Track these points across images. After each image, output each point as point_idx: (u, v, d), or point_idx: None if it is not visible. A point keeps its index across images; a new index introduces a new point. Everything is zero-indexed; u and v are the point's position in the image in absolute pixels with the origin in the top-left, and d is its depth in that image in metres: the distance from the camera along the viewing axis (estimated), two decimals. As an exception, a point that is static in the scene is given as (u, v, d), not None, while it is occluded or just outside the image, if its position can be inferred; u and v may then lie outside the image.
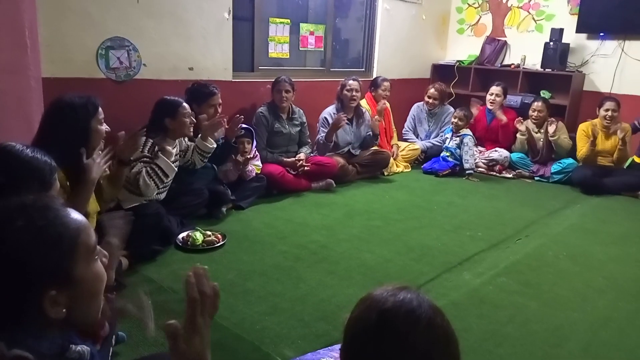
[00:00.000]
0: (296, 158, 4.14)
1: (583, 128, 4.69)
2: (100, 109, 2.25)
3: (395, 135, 5.31)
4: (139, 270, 2.58)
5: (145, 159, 2.88)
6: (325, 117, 4.53)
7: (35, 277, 0.84)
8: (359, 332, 0.88)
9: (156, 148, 2.92)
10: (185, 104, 3.03)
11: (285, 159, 4.12)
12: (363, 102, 5.01)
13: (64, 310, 0.86)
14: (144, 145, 2.88)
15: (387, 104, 4.99)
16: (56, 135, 2.07)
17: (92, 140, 2.22)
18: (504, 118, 5.08)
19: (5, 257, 0.83)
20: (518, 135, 4.97)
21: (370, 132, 4.70)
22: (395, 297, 0.87)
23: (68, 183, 2.09)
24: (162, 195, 3.04)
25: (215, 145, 3.30)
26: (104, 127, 2.27)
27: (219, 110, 3.53)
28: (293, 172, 4.10)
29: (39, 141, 2.08)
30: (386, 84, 5.04)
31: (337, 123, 4.29)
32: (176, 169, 3.03)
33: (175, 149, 3.04)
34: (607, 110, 4.50)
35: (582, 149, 4.65)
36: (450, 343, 0.87)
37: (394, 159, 5.01)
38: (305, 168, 4.10)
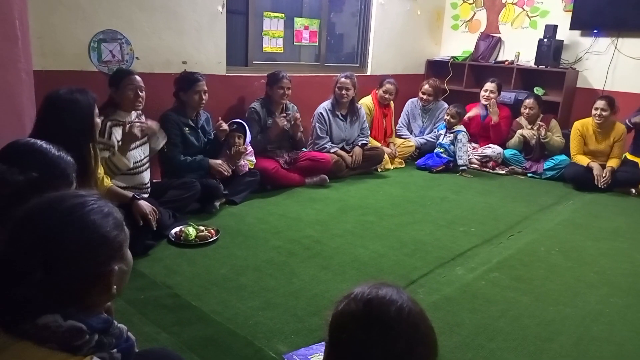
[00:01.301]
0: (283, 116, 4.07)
1: (578, 127, 4.68)
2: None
3: (393, 133, 5.31)
4: (131, 265, 2.56)
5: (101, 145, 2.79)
6: (321, 113, 4.52)
7: (111, 252, 0.97)
8: (347, 322, 0.92)
9: (112, 132, 2.87)
10: (132, 76, 2.96)
11: (272, 128, 4.04)
12: (368, 100, 5.00)
13: (115, 287, 0.98)
14: (102, 129, 2.81)
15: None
16: (63, 131, 2.06)
17: (95, 134, 2.27)
18: (495, 118, 5.08)
19: (90, 235, 0.94)
20: (517, 132, 4.98)
21: (365, 141, 4.73)
22: (379, 290, 0.93)
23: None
24: (143, 178, 3.05)
25: (163, 142, 3.24)
26: (99, 120, 2.31)
27: (205, 97, 3.50)
28: (286, 167, 4.09)
29: (42, 138, 2.07)
30: (388, 86, 4.97)
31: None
32: (138, 156, 3.00)
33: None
34: (596, 109, 4.49)
35: (576, 150, 4.65)
36: (429, 331, 0.93)
37: (394, 158, 5.01)
38: (285, 122, 4.04)
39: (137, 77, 2.97)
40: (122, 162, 2.82)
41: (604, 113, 4.47)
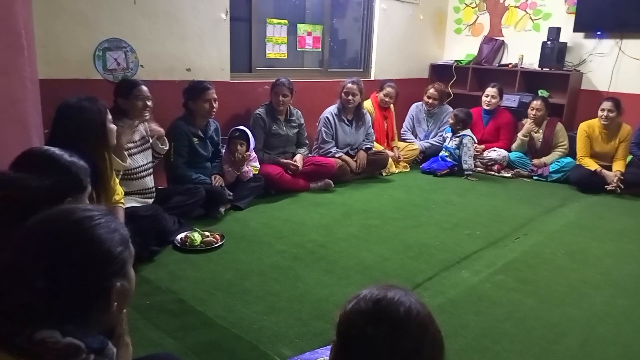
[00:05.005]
0: (292, 161, 4.14)
1: (584, 128, 4.65)
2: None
3: (396, 137, 5.31)
4: (136, 271, 2.56)
5: None
6: (327, 117, 4.53)
7: (114, 267, 0.98)
8: (356, 319, 0.92)
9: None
10: (141, 87, 2.98)
11: (282, 160, 4.12)
12: (367, 103, 5.01)
13: (115, 304, 0.98)
14: None
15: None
16: (73, 140, 2.08)
17: (109, 139, 2.30)
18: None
19: (95, 249, 0.96)
20: (519, 135, 4.98)
21: (370, 145, 4.74)
22: (387, 291, 0.94)
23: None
24: (146, 183, 3.04)
25: (166, 147, 3.22)
26: (114, 126, 2.35)
27: (215, 105, 3.53)
28: (290, 172, 4.10)
29: (56, 145, 2.10)
30: (389, 89, 5.01)
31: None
32: (140, 161, 3.00)
33: (136, 134, 3.01)
34: (602, 110, 4.48)
35: (583, 152, 4.61)
36: (437, 334, 0.94)
37: (398, 162, 5.01)
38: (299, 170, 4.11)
39: (145, 88, 3.01)
40: (117, 162, 2.71)
41: (610, 114, 4.45)
